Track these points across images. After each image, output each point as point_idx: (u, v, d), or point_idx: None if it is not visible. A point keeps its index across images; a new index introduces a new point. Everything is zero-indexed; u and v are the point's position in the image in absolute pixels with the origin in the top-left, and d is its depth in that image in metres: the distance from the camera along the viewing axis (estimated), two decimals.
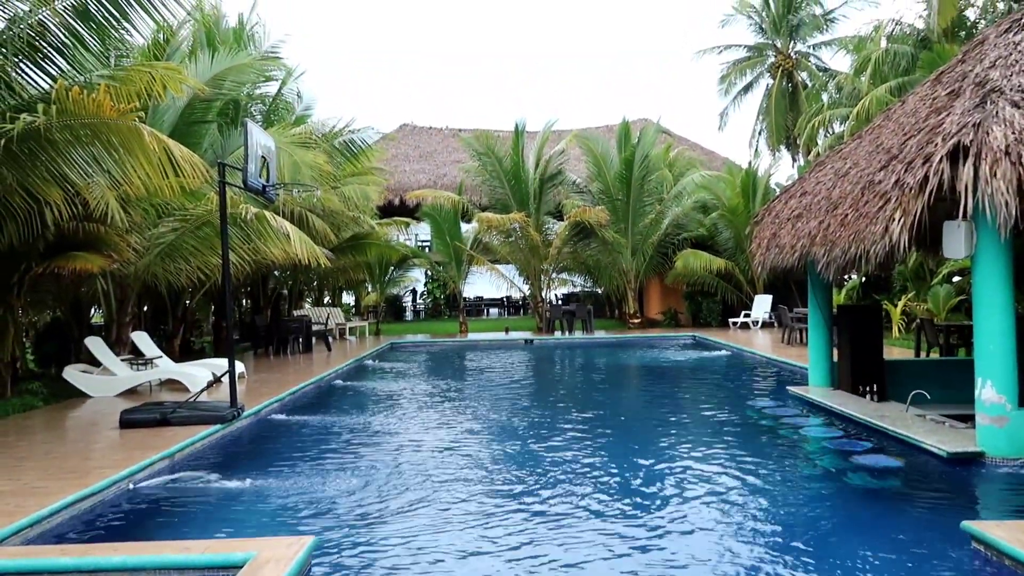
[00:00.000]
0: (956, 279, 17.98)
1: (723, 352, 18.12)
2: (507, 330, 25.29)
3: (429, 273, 32.63)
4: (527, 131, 26.15)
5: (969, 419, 7.44)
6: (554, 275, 26.89)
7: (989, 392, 6.77)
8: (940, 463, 6.86)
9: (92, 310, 16.76)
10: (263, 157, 9.94)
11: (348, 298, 33.62)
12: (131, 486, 6.65)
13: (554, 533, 5.37)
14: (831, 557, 4.85)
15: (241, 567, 4.26)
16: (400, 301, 34.35)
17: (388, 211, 28.04)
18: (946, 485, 6.48)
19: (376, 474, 7.15)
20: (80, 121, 8.16)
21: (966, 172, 6.23)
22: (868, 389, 9.85)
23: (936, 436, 7.29)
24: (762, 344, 18.33)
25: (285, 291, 24.41)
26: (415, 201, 26.82)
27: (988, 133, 6.29)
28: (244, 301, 24.21)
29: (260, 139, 9.95)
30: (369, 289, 29.87)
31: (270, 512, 6.02)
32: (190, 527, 5.69)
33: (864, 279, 20.76)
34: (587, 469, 7.19)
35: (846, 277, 19.65)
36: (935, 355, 13.58)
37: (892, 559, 4.78)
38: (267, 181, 10.05)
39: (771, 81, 36.42)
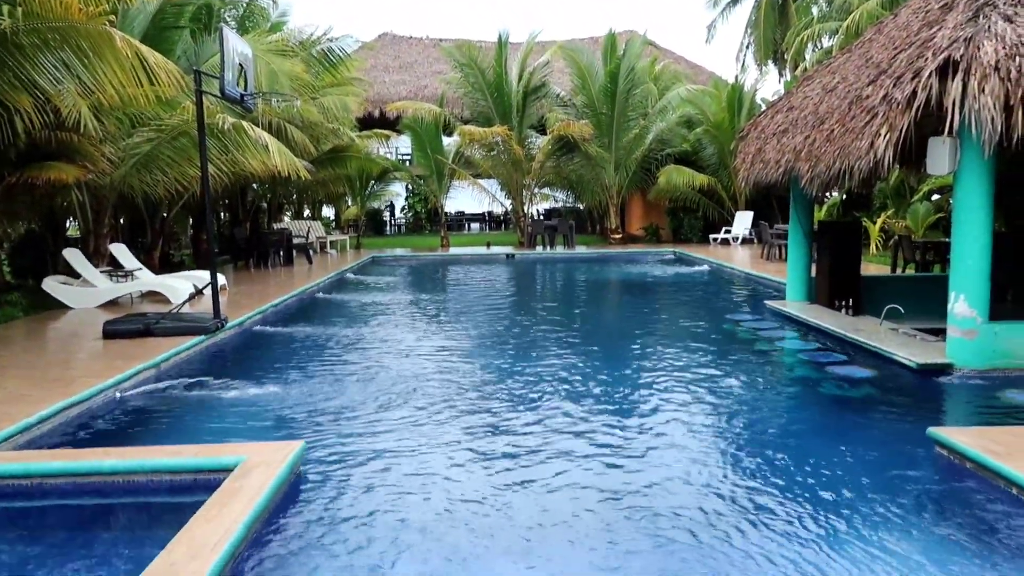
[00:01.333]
0: (935, 197, 18.12)
1: (703, 267, 18.30)
2: (488, 245, 25.28)
3: (410, 187, 32.31)
4: (510, 42, 25.45)
5: (940, 333, 7.64)
6: (536, 190, 26.72)
7: (962, 306, 6.94)
8: (910, 374, 7.09)
9: (68, 222, 16.51)
10: (240, 65, 9.64)
11: (328, 212, 33.32)
12: (118, 395, 6.72)
13: (536, 440, 5.52)
14: (801, 460, 5.05)
15: (231, 470, 4.37)
16: (381, 215, 34.11)
17: (368, 123, 27.49)
18: (915, 395, 6.71)
19: (361, 383, 7.27)
20: (48, 24, 7.84)
21: (954, 88, 6.20)
22: (844, 304, 10.04)
23: (907, 348, 7.50)
24: (742, 260, 18.51)
25: (264, 204, 24.11)
26: (395, 113, 26.26)
27: (979, 48, 6.23)
28: (223, 214, 23.92)
29: (236, 46, 9.62)
30: (349, 203, 29.59)
31: (257, 420, 6.13)
32: (178, 435, 5.79)
33: (845, 196, 20.85)
34: (567, 380, 7.34)
35: (827, 194, 19.70)
36: (911, 271, 13.82)
37: (859, 462, 5.00)
38: (244, 90, 9.78)
39: None
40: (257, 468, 4.37)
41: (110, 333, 8.87)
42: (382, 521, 4.13)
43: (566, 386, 7.07)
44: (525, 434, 5.66)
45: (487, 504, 4.36)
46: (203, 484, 4.37)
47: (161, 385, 7.12)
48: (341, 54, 19.37)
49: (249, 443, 4.96)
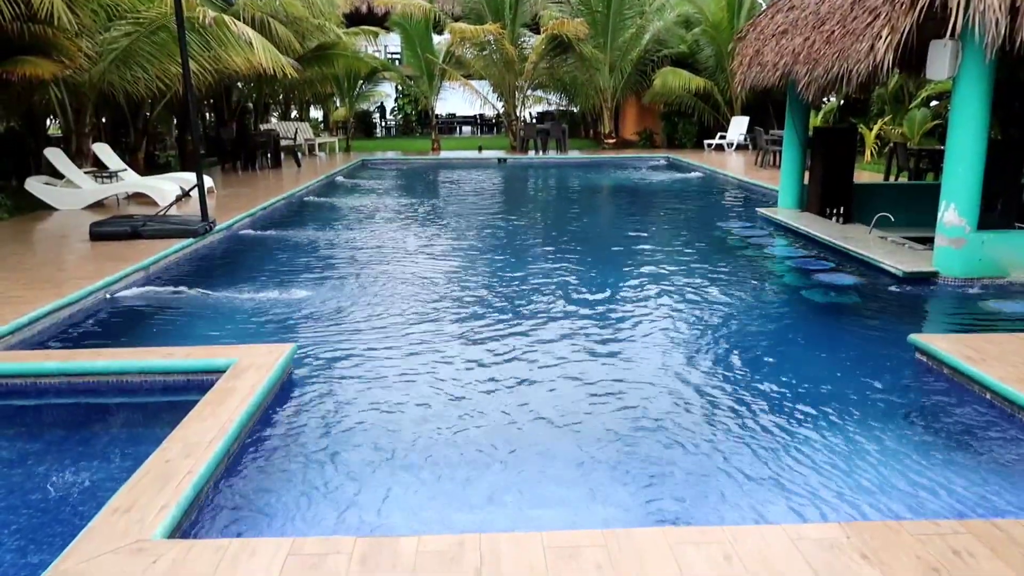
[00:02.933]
0: (934, 103, 17.83)
1: (696, 174, 18.15)
2: (480, 148, 24.91)
3: (400, 88, 31.52)
4: None
5: (929, 242, 7.67)
6: (529, 92, 26.10)
7: (951, 215, 6.94)
8: (896, 282, 7.16)
9: (48, 121, 16.10)
10: None
11: (316, 113, 32.59)
12: (108, 296, 6.73)
13: (525, 346, 5.60)
14: (782, 362, 5.16)
15: (224, 372, 4.43)
16: (370, 117, 33.40)
17: (355, 20, 26.52)
18: (899, 302, 6.80)
19: (351, 287, 7.30)
20: None
21: None
22: (835, 211, 10.03)
23: (895, 256, 7.54)
24: (736, 166, 18.35)
25: (250, 105, 23.52)
26: (383, 9, 25.30)
27: None
28: (208, 115, 23.35)
29: None
30: (337, 104, 28.90)
31: (248, 323, 6.18)
32: (169, 337, 5.84)
33: (842, 102, 20.49)
34: (557, 284, 7.39)
35: (825, 99, 19.35)
36: (904, 179, 13.75)
37: (841, 365, 5.11)
38: None
39: None
40: (249, 370, 4.43)
41: (97, 235, 8.80)
42: (371, 421, 4.23)
43: (556, 291, 7.12)
44: (511, 337, 5.74)
45: (473, 403, 4.46)
46: (196, 385, 4.44)
47: (151, 288, 7.13)
48: None
49: (240, 345, 5.01)
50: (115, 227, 8.94)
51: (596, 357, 5.32)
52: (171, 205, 10.65)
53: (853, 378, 4.87)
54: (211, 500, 3.31)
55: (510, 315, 6.36)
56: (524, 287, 7.29)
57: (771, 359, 5.31)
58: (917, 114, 16.98)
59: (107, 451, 3.96)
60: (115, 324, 6.17)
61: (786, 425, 4.13)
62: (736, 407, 4.39)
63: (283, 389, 4.60)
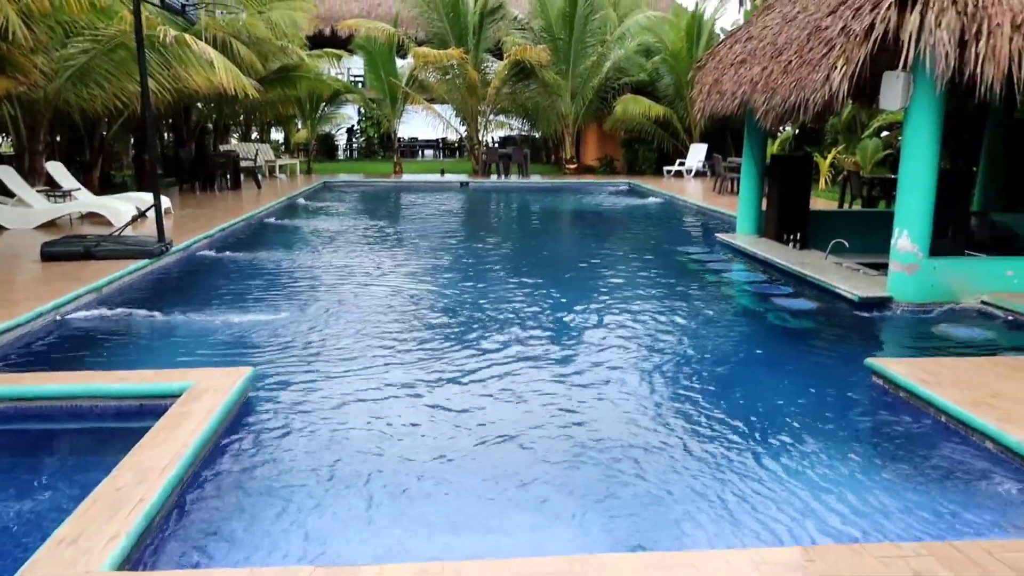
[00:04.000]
0: (884, 134, 18.36)
1: (656, 200, 18.38)
2: (443, 172, 24.94)
3: (363, 111, 31.47)
4: None
5: (882, 268, 7.85)
6: (492, 117, 26.27)
7: (904, 241, 7.11)
8: (852, 307, 7.29)
9: (0, 138, 15.69)
10: None
11: (277, 135, 32.33)
12: (58, 318, 6.54)
13: (487, 370, 5.57)
14: (741, 387, 5.20)
15: (179, 396, 4.31)
16: (333, 139, 33.24)
17: (319, 42, 26.45)
18: (855, 327, 6.92)
19: (312, 310, 7.19)
20: None
21: (912, 20, 6.20)
22: (792, 237, 10.22)
23: (850, 282, 7.69)
24: (695, 193, 18.64)
25: (210, 125, 23.25)
26: (347, 32, 25.31)
27: None
28: (166, 135, 23.02)
29: None
30: (299, 126, 28.73)
31: (205, 347, 6.04)
32: (123, 360, 5.67)
33: (797, 131, 20.99)
34: (517, 309, 7.37)
35: (781, 128, 19.82)
36: (858, 207, 14.10)
37: (799, 389, 5.18)
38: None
39: None
40: (205, 393, 4.32)
41: (49, 255, 8.56)
42: (331, 447, 4.14)
43: (515, 316, 7.11)
44: (472, 360, 5.70)
45: (434, 427, 4.40)
46: (150, 410, 4.31)
47: (104, 309, 6.94)
48: None
49: (196, 369, 4.89)
50: (67, 247, 8.71)
51: (558, 381, 5.31)
52: (126, 225, 10.43)
53: (812, 401, 4.93)
54: (164, 530, 3.20)
55: (471, 338, 6.32)
56: (487, 311, 7.26)
57: (731, 383, 5.35)
58: (869, 144, 17.46)
59: (54, 479, 3.81)
60: (66, 347, 5.98)
61: (747, 449, 4.15)
62: (697, 431, 4.40)
63: (241, 413, 4.49)
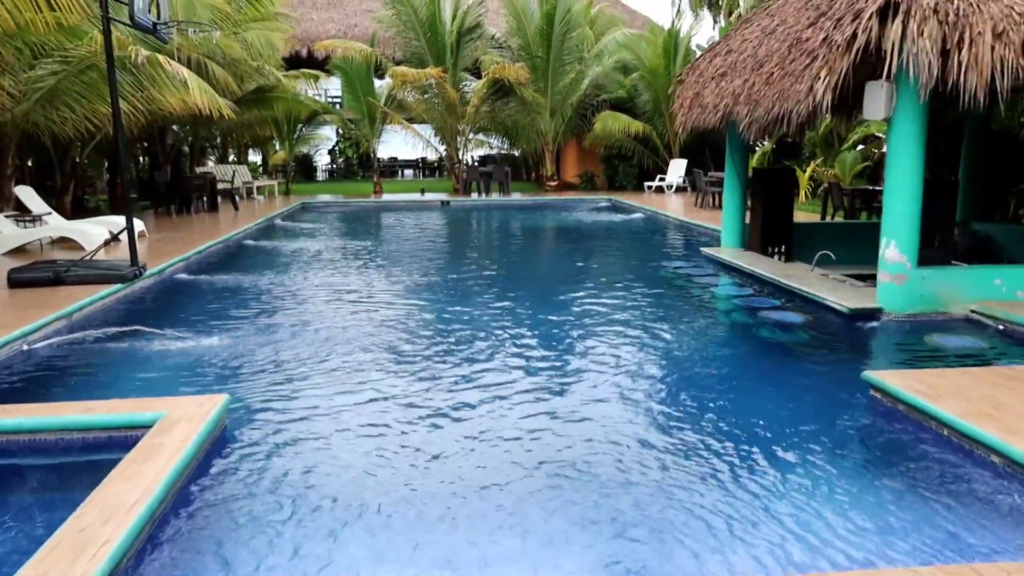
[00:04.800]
0: (861, 147, 18.47)
1: (638, 215, 18.33)
2: (423, 191, 24.79)
3: (341, 131, 31.31)
4: None
5: (868, 278, 7.78)
6: (471, 135, 26.22)
7: (893, 252, 7.04)
8: (842, 319, 7.20)
9: None
10: None
11: (255, 156, 32.07)
12: (25, 347, 6.27)
13: (470, 393, 5.39)
14: (738, 405, 5.06)
15: (150, 427, 4.09)
16: (311, 160, 33.02)
17: (296, 63, 26.34)
18: (847, 338, 6.83)
19: (290, 334, 6.98)
20: None
21: (894, 30, 6.16)
22: (777, 250, 10.16)
23: (838, 293, 7.61)
24: (676, 208, 18.62)
25: (186, 148, 22.96)
26: (324, 53, 25.20)
27: None
28: (141, 158, 22.70)
29: None
30: (277, 147, 28.50)
31: (179, 374, 5.80)
32: (92, 389, 5.42)
33: (776, 145, 21.09)
34: (502, 328, 7.20)
35: (759, 142, 19.89)
36: (840, 218, 14.11)
37: (795, 405, 5.04)
38: (158, 19, 9.09)
39: None
40: (179, 424, 4.10)
41: (16, 282, 8.28)
42: (312, 478, 3.93)
43: (500, 335, 6.94)
44: (454, 383, 5.52)
45: (418, 455, 4.21)
46: (119, 442, 4.09)
47: (74, 336, 6.68)
48: None
49: (169, 398, 4.66)
50: (36, 273, 8.44)
51: (545, 401, 5.14)
52: (98, 249, 10.15)
53: (813, 417, 4.79)
54: (133, 572, 2.98)
55: (453, 360, 6.14)
56: (470, 331, 7.08)
57: (727, 400, 5.20)
58: (848, 156, 17.55)
59: (15, 519, 3.57)
60: (32, 377, 5.71)
61: (747, 470, 4.00)
62: (693, 451, 4.24)
63: (216, 444, 4.27)
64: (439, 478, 3.92)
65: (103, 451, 4.08)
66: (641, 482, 3.84)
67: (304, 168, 31.87)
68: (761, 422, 4.68)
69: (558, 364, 6.03)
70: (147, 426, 4.11)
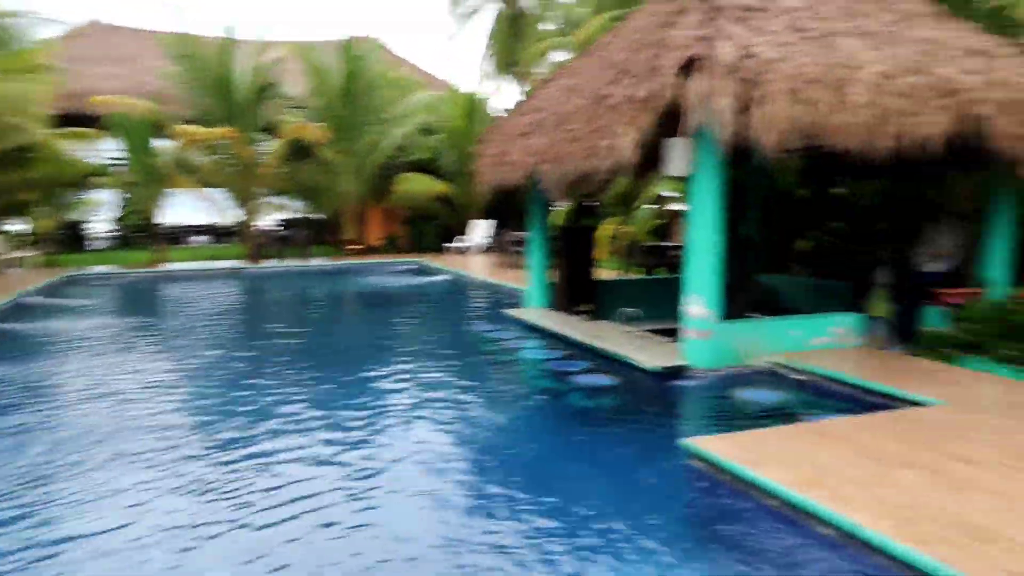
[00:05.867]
0: (653, 206, 19.40)
1: (444, 277, 17.94)
2: (212, 258, 22.94)
3: (121, 196, 28.53)
4: (239, 39, 23.32)
5: (671, 333, 7.70)
6: (270, 199, 24.80)
7: (697, 308, 6.99)
8: (651, 378, 6.99)
9: None
10: None
11: (23, 224, 28.29)
12: None
13: (261, 480, 4.49)
14: (545, 481, 4.58)
15: None
16: (81, 228, 29.70)
17: (75, 121, 23.65)
18: (657, 400, 6.61)
19: (43, 440, 5.62)
20: None
21: (695, 87, 6.15)
22: (582, 309, 10.01)
23: (645, 352, 7.44)
24: (481, 268, 18.45)
25: None
26: (100, 111, 22.85)
27: (716, 48, 6.23)
28: None
29: None
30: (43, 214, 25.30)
31: None
32: None
33: (577, 204, 21.70)
34: (296, 408, 6.30)
35: (560, 203, 20.35)
36: (640, 274, 14.48)
37: (608, 478, 4.61)
38: None
39: (502, 6, 36.25)
40: None
41: None
42: None
43: (294, 417, 6.04)
44: (237, 472, 4.58)
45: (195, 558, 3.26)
46: None
47: None
48: (18, 34, 16.26)
49: None
50: None
51: (335, 485, 4.37)
52: None
53: (630, 494, 4.36)
54: None
55: (238, 447, 5.20)
56: (255, 420, 6.09)
57: (533, 476, 4.67)
58: (641, 214, 18.31)
59: None
60: None
61: (572, 557, 3.44)
62: (503, 536, 3.63)
63: None
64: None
65: None
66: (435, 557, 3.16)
67: (75, 236, 28.59)
68: (572, 504, 4.16)
69: (355, 443, 5.24)
70: None
